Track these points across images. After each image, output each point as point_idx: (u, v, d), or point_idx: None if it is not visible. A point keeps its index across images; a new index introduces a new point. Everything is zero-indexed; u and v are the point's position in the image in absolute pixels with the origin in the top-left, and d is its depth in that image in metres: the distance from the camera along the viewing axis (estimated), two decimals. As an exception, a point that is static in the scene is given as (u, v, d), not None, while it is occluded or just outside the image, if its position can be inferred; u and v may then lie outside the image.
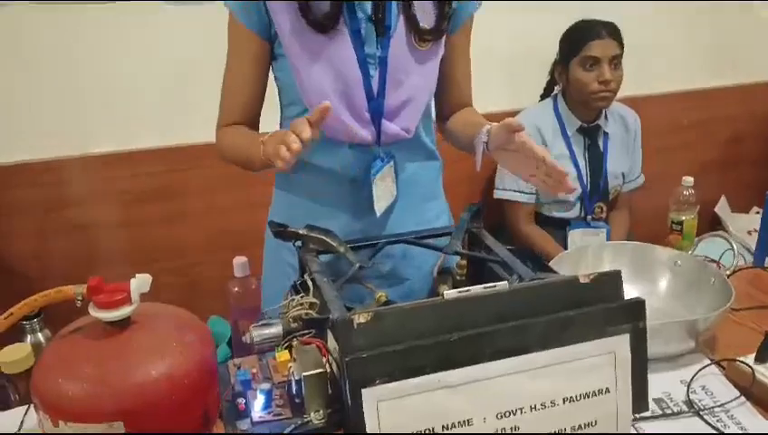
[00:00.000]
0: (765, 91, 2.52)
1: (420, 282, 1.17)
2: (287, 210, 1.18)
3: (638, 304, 0.76)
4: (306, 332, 0.83)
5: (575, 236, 1.84)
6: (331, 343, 0.79)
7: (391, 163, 1.10)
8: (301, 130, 0.86)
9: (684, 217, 2.04)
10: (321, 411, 0.72)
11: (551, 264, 1.19)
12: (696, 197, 2.09)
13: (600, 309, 0.75)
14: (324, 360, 0.75)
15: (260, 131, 1.14)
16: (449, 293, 0.73)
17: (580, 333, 0.74)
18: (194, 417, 0.81)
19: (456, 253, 0.99)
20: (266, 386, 0.73)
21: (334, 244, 0.94)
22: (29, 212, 1.74)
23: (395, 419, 0.67)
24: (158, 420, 0.78)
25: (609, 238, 1.84)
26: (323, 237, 0.94)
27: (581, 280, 0.77)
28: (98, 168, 1.78)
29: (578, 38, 1.77)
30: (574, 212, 1.86)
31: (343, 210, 1.12)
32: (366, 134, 1.07)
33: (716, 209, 2.43)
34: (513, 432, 0.71)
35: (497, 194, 1.85)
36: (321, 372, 0.72)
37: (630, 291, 1.21)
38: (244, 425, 0.71)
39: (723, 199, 2.48)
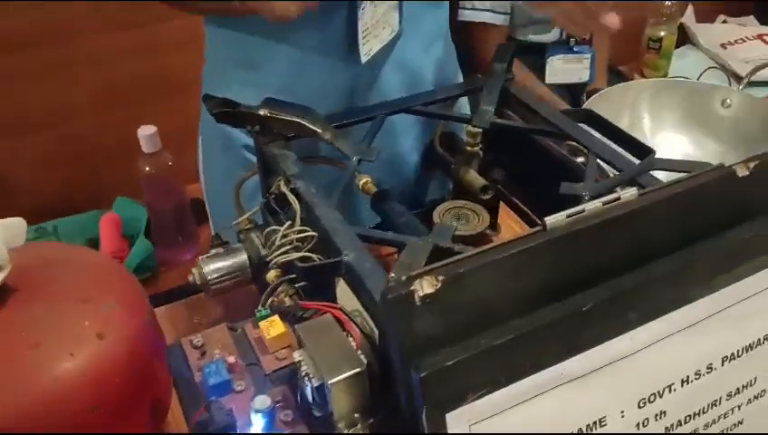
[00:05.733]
0: None
1: (409, 154, 0.86)
2: (226, 63, 0.79)
3: (831, 206, 0.49)
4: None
5: (555, 64, 1.54)
6: (348, 301, 0.49)
7: None
8: None
9: (663, 33, 1.79)
10: (359, 419, 0.44)
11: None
12: (676, 8, 1.84)
13: (779, 219, 0.48)
14: (353, 344, 0.45)
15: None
16: (554, 219, 0.44)
17: (747, 261, 0.47)
18: (137, 419, 0.52)
19: (496, 125, 0.68)
20: (266, 402, 0.43)
21: (317, 128, 0.61)
22: None
23: (495, 443, 0.41)
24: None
25: (593, 64, 1.56)
26: (299, 120, 0.60)
27: (739, 172, 0.49)
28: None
29: None
30: (554, 35, 1.54)
31: (319, 56, 0.75)
32: None
33: (683, 20, 2.17)
34: (659, 419, 0.47)
35: (464, 15, 1.49)
36: (357, 374, 0.43)
37: (679, 140, 0.96)
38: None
39: (690, 9, 2.21)
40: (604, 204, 0.45)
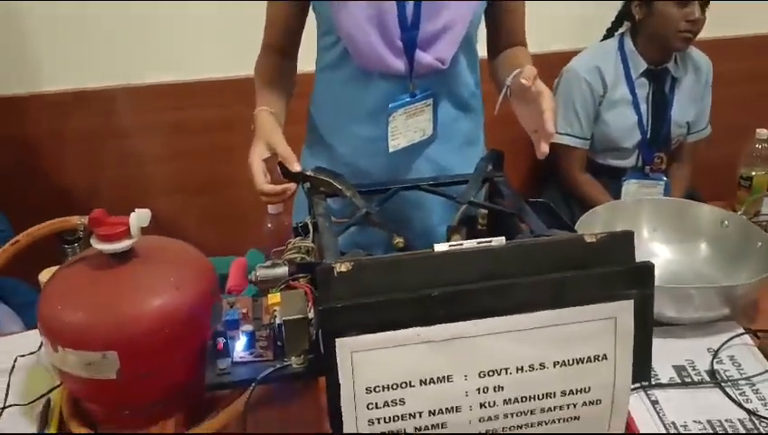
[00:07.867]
0: None
1: (437, 228, 1.13)
2: (316, 144, 1.17)
3: (646, 269, 0.69)
4: (303, 275, 0.82)
5: (630, 187, 1.73)
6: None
7: (428, 101, 1.05)
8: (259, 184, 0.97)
9: (754, 172, 1.89)
10: (303, 356, 0.71)
11: (584, 217, 1.13)
12: (769, 150, 1.93)
13: (601, 272, 0.69)
14: (309, 305, 0.73)
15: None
16: (439, 246, 0.69)
17: (575, 297, 0.68)
18: (191, 351, 0.82)
19: (471, 203, 0.94)
20: (249, 328, 0.72)
21: (341, 187, 0.91)
22: (80, 141, 1.79)
23: (370, 370, 0.65)
24: (151, 352, 0.79)
25: (667, 192, 1.73)
26: (330, 180, 0.91)
27: (587, 239, 0.71)
28: (148, 98, 1.81)
29: None
30: (631, 161, 1.75)
31: (374, 147, 1.08)
32: (398, 65, 1.03)
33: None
34: (497, 392, 0.68)
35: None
36: (301, 318, 0.70)
37: (668, 251, 1.14)
38: (224, 364, 0.71)
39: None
40: (478, 243, 0.70)
